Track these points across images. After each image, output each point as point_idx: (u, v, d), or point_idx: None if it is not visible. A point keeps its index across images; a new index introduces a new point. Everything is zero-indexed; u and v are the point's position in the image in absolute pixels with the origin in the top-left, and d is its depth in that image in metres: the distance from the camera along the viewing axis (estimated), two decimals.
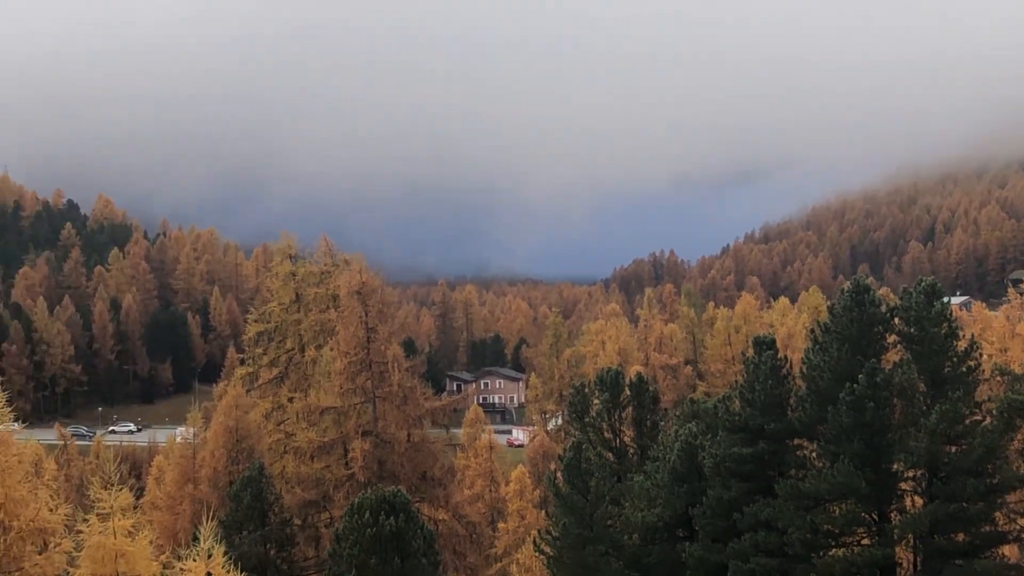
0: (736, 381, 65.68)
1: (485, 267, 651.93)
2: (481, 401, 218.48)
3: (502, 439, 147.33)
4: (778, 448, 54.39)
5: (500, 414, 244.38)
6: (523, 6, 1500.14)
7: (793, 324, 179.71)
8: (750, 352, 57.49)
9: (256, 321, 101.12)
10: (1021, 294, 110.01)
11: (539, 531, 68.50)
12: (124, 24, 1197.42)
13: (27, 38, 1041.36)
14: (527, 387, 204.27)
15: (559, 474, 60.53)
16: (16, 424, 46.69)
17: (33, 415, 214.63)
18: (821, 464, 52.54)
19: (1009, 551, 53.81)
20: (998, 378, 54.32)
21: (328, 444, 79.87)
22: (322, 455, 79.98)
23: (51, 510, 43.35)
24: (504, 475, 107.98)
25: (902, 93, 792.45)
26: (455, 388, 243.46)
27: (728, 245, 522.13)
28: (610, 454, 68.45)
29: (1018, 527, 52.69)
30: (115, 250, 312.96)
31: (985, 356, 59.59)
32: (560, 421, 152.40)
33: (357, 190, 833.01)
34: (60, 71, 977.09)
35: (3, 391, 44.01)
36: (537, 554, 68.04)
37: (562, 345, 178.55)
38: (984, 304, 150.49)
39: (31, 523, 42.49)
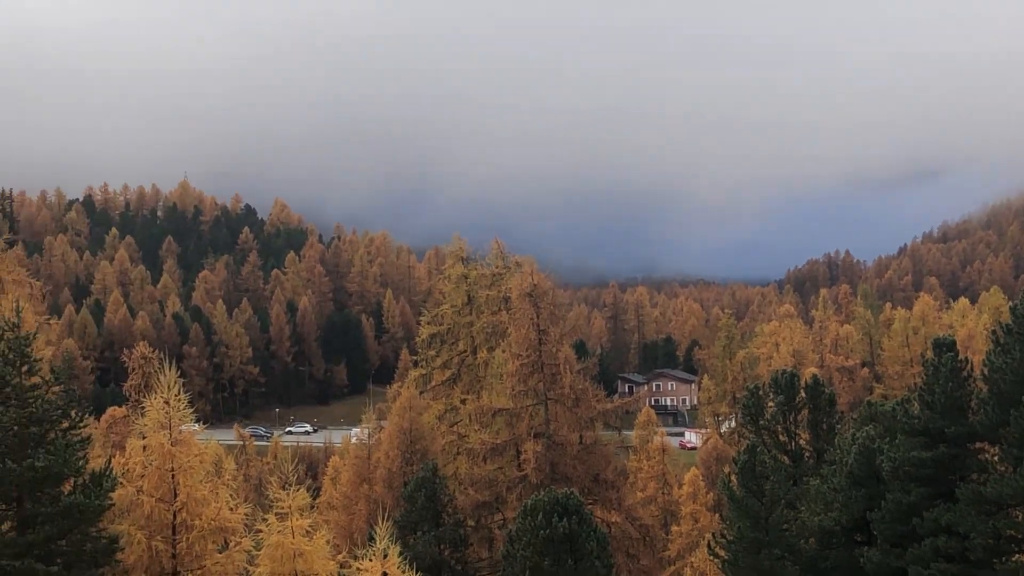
0: (915, 384, 64.61)
1: (655, 268, 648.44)
2: (653, 403, 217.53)
3: (675, 441, 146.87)
4: (959, 452, 53.37)
5: (672, 416, 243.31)
6: (690, 2, 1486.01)
7: (973, 325, 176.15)
8: (929, 354, 56.48)
9: (429, 323, 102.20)
10: None
11: (713, 534, 68.15)
12: (299, 28, 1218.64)
13: (205, 46, 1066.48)
14: (699, 389, 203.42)
15: (733, 477, 60.15)
16: (197, 425, 47.79)
17: (213, 416, 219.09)
18: (1004, 468, 51.40)
19: None
20: None
21: (501, 446, 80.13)
22: (495, 456, 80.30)
23: (231, 509, 44.21)
24: (677, 478, 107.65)
25: None
26: (627, 390, 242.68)
27: (905, 245, 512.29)
28: (785, 457, 67.81)
29: None
30: (291, 254, 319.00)
31: None
32: (733, 424, 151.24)
33: (525, 192, 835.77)
34: (237, 77, 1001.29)
35: (184, 392, 45.06)
36: (711, 558, 67.68)
37: (735, 347, 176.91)
38: None
39: (212, 522, 43.40)
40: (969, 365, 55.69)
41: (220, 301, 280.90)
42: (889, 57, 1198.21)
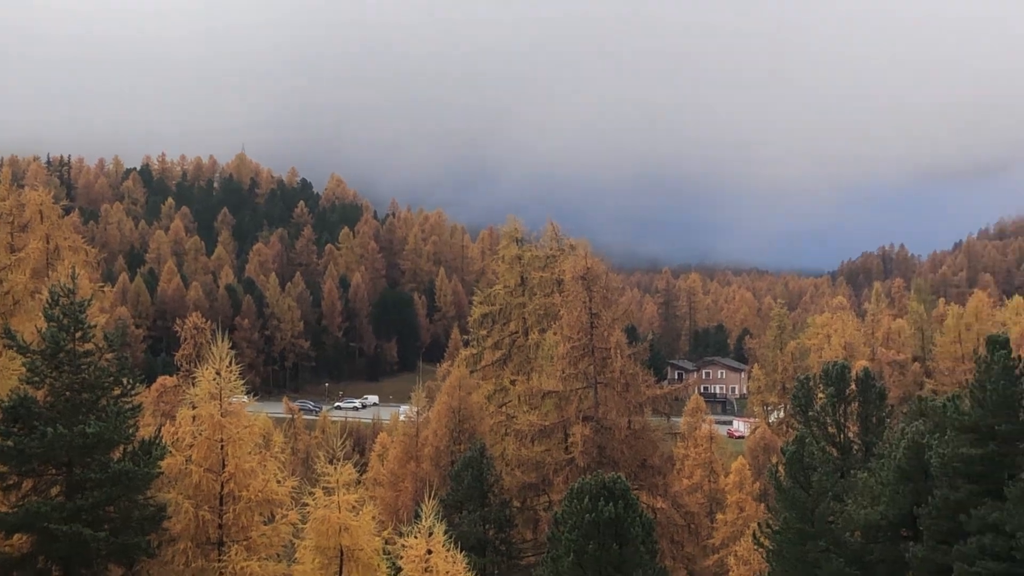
0: (966, 380, 64.19)
1: (709, 255, 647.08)
2: (702, 391, 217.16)
3: (723, 430, 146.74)
4: (1009, 450, 52.95)
5: (721, 404, 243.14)
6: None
7: None
8: (982, 351, 56.05)
9: (481, 303, 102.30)
10: None
11: (759, 524, 67.98)
12: (360, 2, 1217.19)
13: (266, 21, 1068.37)
14: (749, 378, 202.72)
15: (781, 467, 59.97)
16: (247, 397, 47.98)
17: (262, 389, 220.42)
18: None
19: None
20: None
21: (549, 428, 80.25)
22: (543, 439, 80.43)
23: (278, 482, 44.38)
24: (724, 466, 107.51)
25: None
26: (676, 376, 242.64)
27: (960, 240, 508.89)
28: (834, 449, 67.49)
29: None
30: (345, 229, 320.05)
31: None
32: (782, 414, 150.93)
33: (583, 175, 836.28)
34: (295, 49, 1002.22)
35: (235, 364, 45.22)
36: (756, 547, 67.56)
37: (786, 337, 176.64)
38: None
39: (259, 494, 43.58)
40: (1022, 363, 55.27)
41: (273, 274, 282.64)
42: (960, 49, 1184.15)
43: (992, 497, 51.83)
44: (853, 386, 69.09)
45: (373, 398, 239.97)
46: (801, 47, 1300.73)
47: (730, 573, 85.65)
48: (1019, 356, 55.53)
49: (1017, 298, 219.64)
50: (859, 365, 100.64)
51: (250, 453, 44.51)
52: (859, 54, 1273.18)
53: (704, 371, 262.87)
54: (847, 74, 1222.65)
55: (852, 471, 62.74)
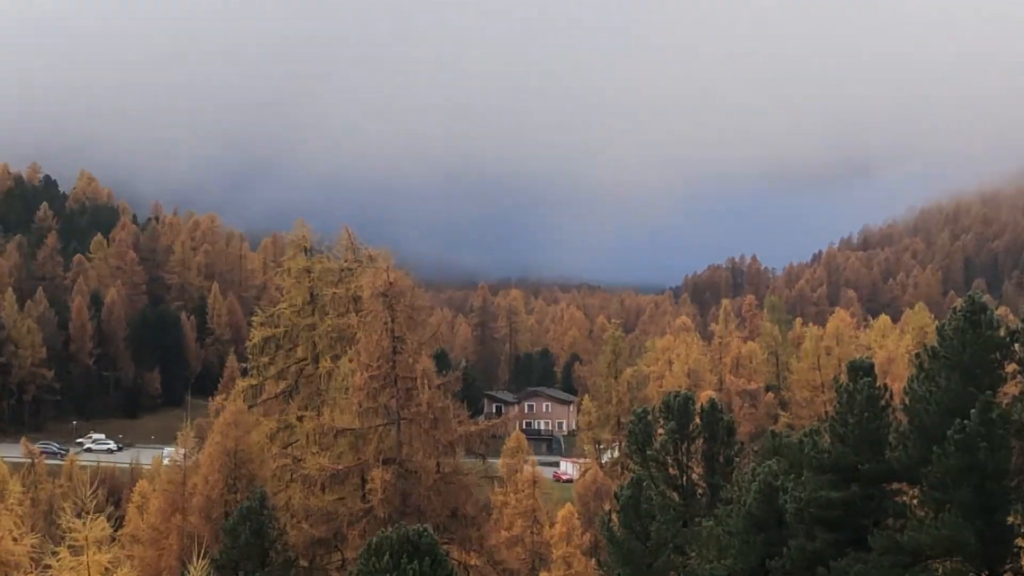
0: (826, 412, 65.92)
1: (533, 269, 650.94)
2: (525, 427, 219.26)
3: (548, 472, 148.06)
4: (873, 492, 54.48)
5: (546, 443, 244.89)
6: None
7: (895, 347, 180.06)
8: (843, 378, 57.62)
9: (262, 325, 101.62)
10: None
11: None
12: None
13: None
14: (579, 412, 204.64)
15: (614, 515, 60.86)
16: None
17: None
18: (924, 513, 52.59)
19: None
20: None
21: (343, 472, 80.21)
22: (335, 485, 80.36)
23: (15, 540, 43.85)
24: (549, 515, 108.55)
25: None
26: (494, 410, 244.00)
27: (820, 252, 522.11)
28: (675, 494, 68.76)
29: None
30: (98, 236, 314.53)
31: None
32: (617, 453, 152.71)
33: (388, 179, 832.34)
34: (40, 29, 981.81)
35: None
36: None
37: (622, 363, 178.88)
38: None
39: None
40: (888, 393, 56.86)
41: (10, 290, 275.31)
42: (817, 44, 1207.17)
43: (855, 547, 53.29)
44: (697, 420, 70.45)
45: (108, 443, 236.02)
46: (645, 48, 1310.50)
47: None
48: (885, 385, 57.19)
49: (883, 318, 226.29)
50: (705, 396, 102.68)
51: None
52: (705, 53, 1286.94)
53: (527, 404, 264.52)
54: (691, 74, 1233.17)
55: (696, 519, 63.94)
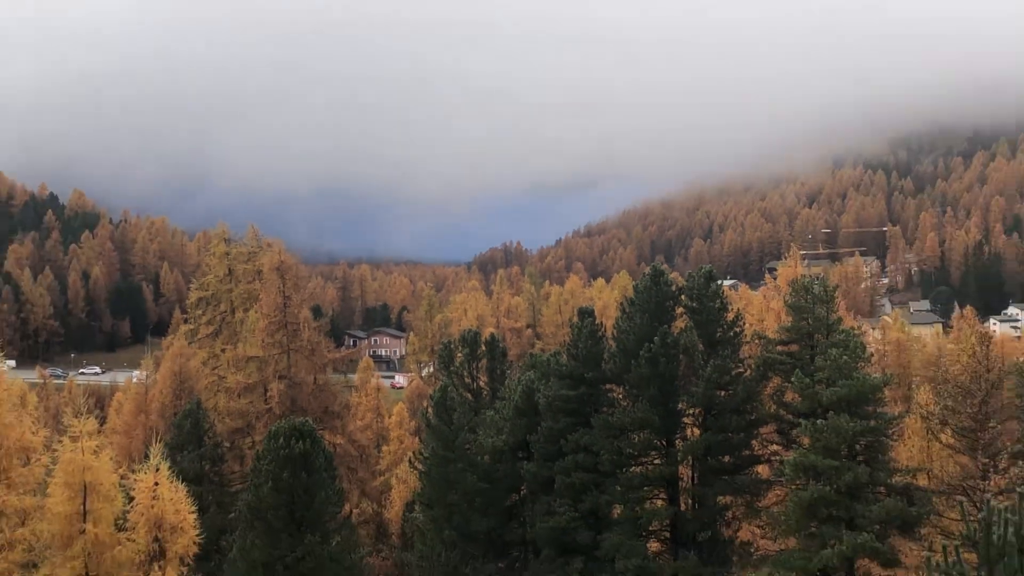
0: (564, 341, 66.34)
1: (377, 250, 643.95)
2: (372, 354, 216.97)
3: (387, 383, 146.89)
4: (594, 391, 55.13)
5: (387, 363, 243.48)
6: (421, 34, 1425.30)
7: (608, 298, 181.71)
8: (575, 319, 58.16)
9: (197, 290, 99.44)
10: (774, 279, 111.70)
11: (414, 452, 68.68)
12: (89, 31, 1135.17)
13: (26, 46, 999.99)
14: (407, 343, 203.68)
15: (430, 409, 60.66)
16: (5, 365, 45.40)
17: (20, 359, 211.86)
18: (626, 403, 53.40)
19: (762, 469, 55.22)
20: (756, 341, 55.60)
21: (252, 385, 79.14)
22: (247, 393, 79.19)
23: (33, 433, 42.45)
24: (388, 410, 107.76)
25: (700, 111, 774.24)
26: (352, 343, 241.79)
27: (561, 239, 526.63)
28: (469, 395, 68.70)
29: (769, 452, 54.18)
30: (86, 232, 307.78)
31: (747, 325, 60.89)
32: (432, 369, 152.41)
33: (278, 186, 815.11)
34: (45, 82, 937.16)
35: None
36: (412, 469, 68.24)
37: (434, 312, 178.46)
38: (747, 286, 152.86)
39: (17, 442, 41.59)
40: (603, 328, 57.57)
41: (27, 269, 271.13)
42: (562, 80, 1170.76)
43: (583, 426, 53.87)
44: (483, 347, 70.49)
45: (95, 368, 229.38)
46: (452, 85, 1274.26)
47: (392, 491, 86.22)
48: (601, 323, 57.85)
49: (600, 280, 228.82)
50: (487, 332, 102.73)
51: (10, 410, 42.46)
52: (491, 88, 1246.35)
53: (373, 339, 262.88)
54: (479, 106, 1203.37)
55: (483, 410, 64.03)
